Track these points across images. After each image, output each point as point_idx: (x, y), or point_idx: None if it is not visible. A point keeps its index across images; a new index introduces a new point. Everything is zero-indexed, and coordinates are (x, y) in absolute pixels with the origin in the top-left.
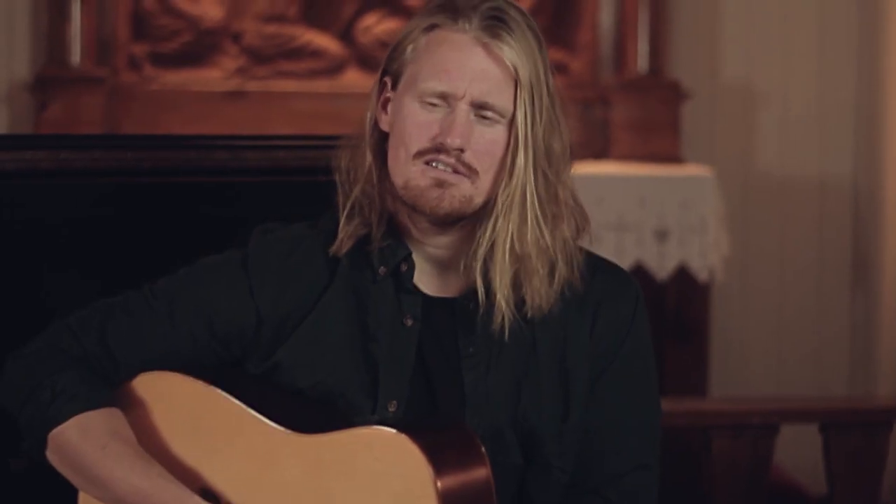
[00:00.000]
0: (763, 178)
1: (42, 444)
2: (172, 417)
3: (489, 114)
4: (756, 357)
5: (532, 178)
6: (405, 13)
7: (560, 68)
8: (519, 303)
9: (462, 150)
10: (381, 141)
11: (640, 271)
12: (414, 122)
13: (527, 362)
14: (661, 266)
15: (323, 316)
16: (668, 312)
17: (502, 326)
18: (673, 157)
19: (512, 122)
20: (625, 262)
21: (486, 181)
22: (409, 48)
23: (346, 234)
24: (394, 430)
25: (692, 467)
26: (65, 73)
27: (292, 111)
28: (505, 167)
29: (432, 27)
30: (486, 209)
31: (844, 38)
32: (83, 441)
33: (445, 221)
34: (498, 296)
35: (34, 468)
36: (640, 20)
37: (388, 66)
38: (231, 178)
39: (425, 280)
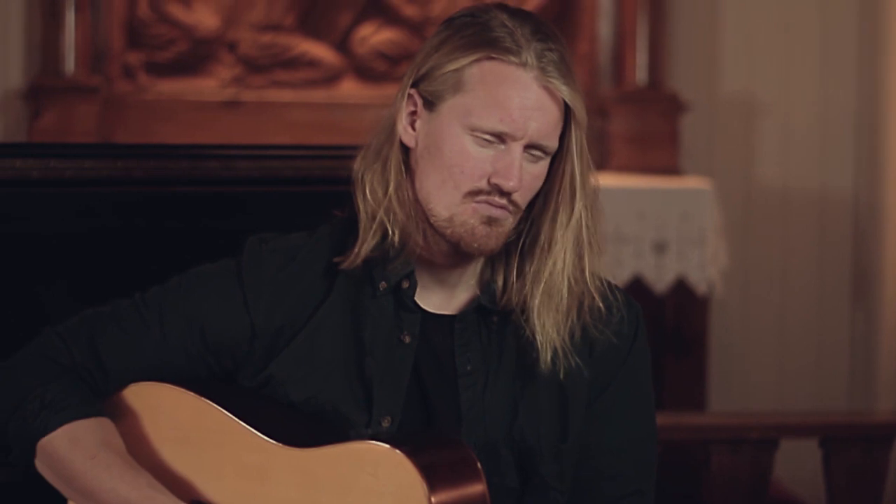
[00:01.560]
0: (763, 190)
1: (30, 453)
2: (163, 428)
3: (538, 153)
4: (756, 370)
5: (588, 214)
6: (403, 23)
7: None
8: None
9: (517, 191)
10: (405, 156)
11: (638, 284)
12: (466, 158)
13: (525, 381)
14: (660, 279)
15: (318, 330)
16: (666, 325)
17: (555, 363)
18: (672, 170)
19: (560, 158)
20: (623, 275)
21: (521, 211)
22: (454, 76)
23: (365, 250)
24: (388, 446)
25: (691, 482)
26: (58, 82)
27: (288, 121)
28: (555, 203)
29: (487, 59)
30: (526, 240)
31: (845, 51)
32: (72, 451)
33: (485, 256)
34: (552, 332)
35: (17, 480)
36: (639, 31)
37: (419, 82)
38: (223, 188)
39: (425, 296)
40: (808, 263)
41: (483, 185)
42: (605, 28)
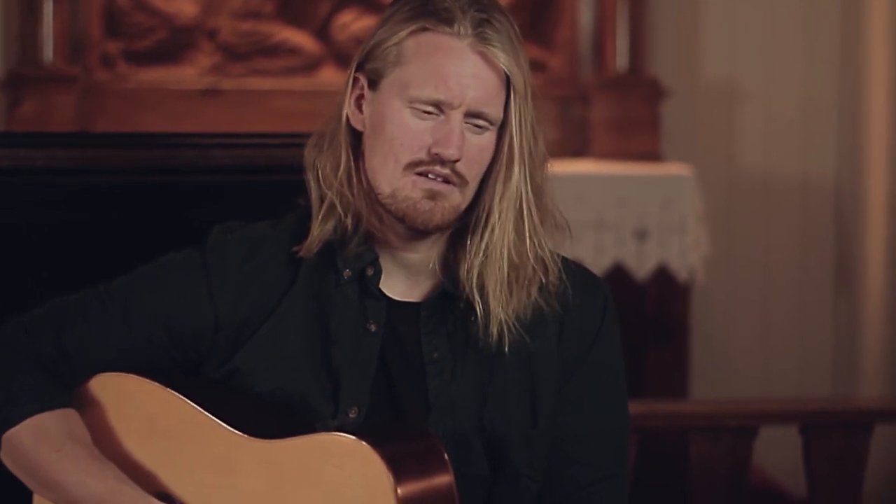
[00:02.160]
0: (745, 177)
1: None
2: (129, 420)
3: (481, 122)
4: (738, 358)
5: (527, 185)
6: (381, 10)
7: (538, 66)
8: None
9: (456, 161)
10: (355, 140)
11: (619, 271)
12: (405, 131)
13: (493, 368)
14: (641, 266)
15: (282, 320)
16: (648, 313)
17: (500, 338)
18: (653, 156)
19: (502, 128)
20: (604, 262)
21: (472, 188)
22: (394, 49)
23: (318, 236)
24: (353, 437)
25: (671, 470)
26: (37, 71)
27: (269, 109)
28: (495, 174)
29: (422, 30)
30: (474, 217)
31: (828, 37)
32: (38, 443)
33: (431, 232)
34: (494, 306)
35: None
36: (619, 17)
37: (363, 63)
38: (197, 177)
39: (390, 283)
40: (790, 251)
41: (423, 155)
42: (585, 14)
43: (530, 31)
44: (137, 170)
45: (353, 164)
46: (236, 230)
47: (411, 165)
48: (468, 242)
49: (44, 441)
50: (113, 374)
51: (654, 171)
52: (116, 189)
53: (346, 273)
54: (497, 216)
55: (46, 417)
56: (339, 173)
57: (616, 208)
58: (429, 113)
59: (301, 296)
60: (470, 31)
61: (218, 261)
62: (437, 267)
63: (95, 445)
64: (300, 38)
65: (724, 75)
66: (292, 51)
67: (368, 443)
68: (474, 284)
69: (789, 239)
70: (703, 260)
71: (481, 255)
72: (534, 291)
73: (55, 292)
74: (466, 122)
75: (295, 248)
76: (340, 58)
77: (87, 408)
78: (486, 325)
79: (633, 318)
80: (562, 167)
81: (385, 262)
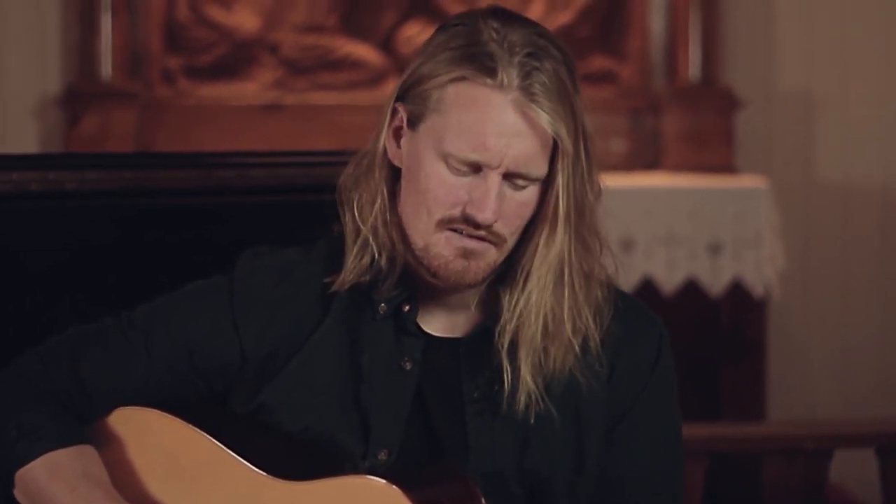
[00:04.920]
0: (823, 189)
1: (9, 483)
2: (149, 457)
3: (521, 181)
4: (817, 377)
5: (571, 246)
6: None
7: (609, 76)
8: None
9: (490, 225)
10: (393, 174)
11: (692, 286)
12: (440, 185)
13: (537, 409)
14: (715, 281)
15: (312, 355)
16: (722, 329)
17: (527, 407)
18: (727, 168)
19: (548, 184)
20: (676, 278)
21: (511, 242)
22: (434, 93)
23: (353, 272)
24: (384, 481)
25: (745, 494)
26: (96, 87)
27: (332, 124)
28: (537, 234)
29: (462, 79)
30: (511, 273)
31: None
32: (52, 482)
33: (463, 290)
34: (524, 373)
35: None
36: (691, 26)
37: (403, 95)
38: (235, 197)
39: (428, 318)
40: (871, 263)
41: (456, 213)
42: (656, 23)
43: (599, 42)
44: (173, 191)
45: (388, 202)
46: (265, 255)
47: (444, 222)
48: (503, 299)
49: (57, 480)
50: (134, 408)
51: (728, 183)
52: (150, 211)
53: (382, 308)
54: (536, 281)
55: (60, 455)
56: (374, 209)
57: (688, 222)
58: (465, 171)
59: (333, 330)
60: (515, 82)
61: (244, 289)
62: (479, 302)
63: (113, 483)
64: (364, 52)
65: (799, 84)
66: (356, 64)
67: (400, 487)
68: (505, 348)
69: (869, 252)
70: (780, 274)
71: (515, 319)
72: (570, 360)
73: (86, 317)
74: (506, 181)
75: (327, 280)
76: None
77: (107, 443)
78: (514, 392)
79: (707, 334)
80: (632, 181)
81: (423, 298)
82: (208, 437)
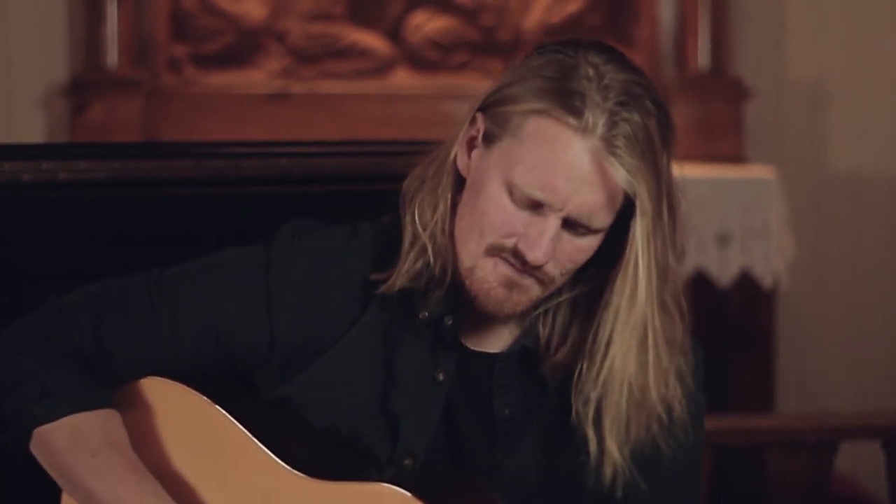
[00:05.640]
0: (833, 179)
1: (26, 439)
2: (173, 432)
3: (580, 229)
4: (827, 369)
5: (654, 310)
6: (457, 10)
7: None
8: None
9: (539, 267)
10: (458, 183)
11: (700, 277)
12: (499, 211)
13: (565, 433)
14: (723, 272)
15: (346, 353)
16: (730, 321)
17: (614, 479)
18: (736, 158)
19: (626, 246)
20: (685, 269)
21: (559, 282)
22: (517, 118)
23: (404, 275)
24: (407, 494)
25: (748, 487)
26: (102, 76)
27: (339, 113)
28: (617, 297)
29: (546, 113)
30: (590, 341)
31: None
32: (73, 445)
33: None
34: (610, 445)
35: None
36: (700, 15)
37: (486, 107)
38: (229, 188)
39: (465, 329)
40: (881, 255)
41: (509, 244)
42: (665, 11)
43: (609, 30)
44: (166, 182)
45: (449, 211)
46: (305, 234)
47: (495, 249)
48: (583, 369)
49: (79, 443)
50: (163, 380)
51: (737, 173)
52: (144, 202)
53: (423, 315)
54: (619, 346)
55: (83, 418)
56: (436, 216)
57: (697, 212)
58: (525, 205)
59: (369, 329)
60: (600, 129)
61: (282, 272)
62: (518, 319)
63: (134, 451)
64: (372, 40)
65: (810, 74)
66: (363, 53)
67: (422, 499)
68: (590, 418)
69: (880, 243)
70: (790, 265)
71: (599, 387)
72: (654, 429)
73: None
74: (564, 226)
75: (374, 278)
76: (413, 60)
77: (132, 409)
78: (600, 464)
79: (716, 325)
80: None
81: (466, 311)
82: (234, 420)
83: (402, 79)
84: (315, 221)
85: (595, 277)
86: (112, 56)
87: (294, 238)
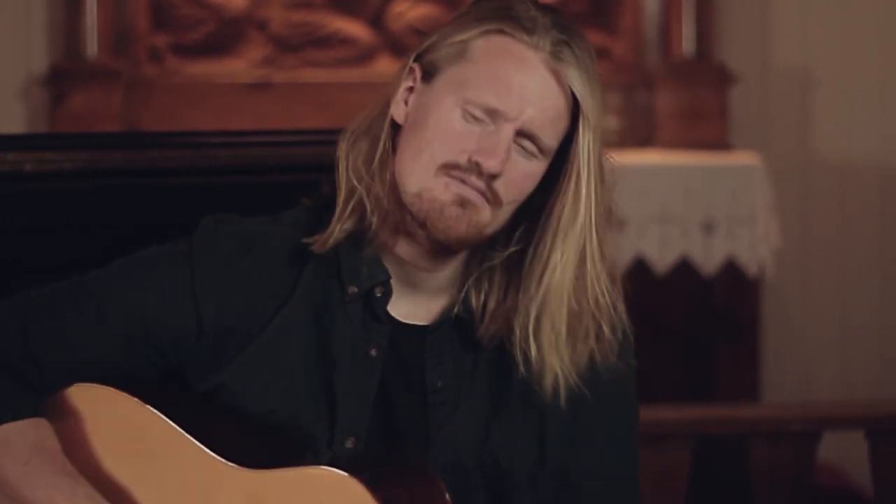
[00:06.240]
0: (820, 166)
1: None
2: (105, 436)
3: (530, 146)
4: (814, 358)
5: (592, 226)
6: None
7: (601, 52)
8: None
9: (495, 177)
10: (393, 134)
11: (685, 265)
12: (450, 129)
13: (500, 400)
14: (708, 260)
15: (279, 336)
16: (715, 309)
17: (556, 389)
18: (721, 145)
19: (569, 162)
20: (670, 256)
21: (504, 213)
22: (460, 45)
23: (338, 231)
24: (346, 474)
25: (731, 477)
26: (80, 66)
27: (322, 102)
28: (558, 210)
29: (498, 31)
30: (530, 254)
31: None
32: (3, 455)
33: (449, 248)
34: (550, 356)
35: None
36: (685, 1)
37: (422, 54)
38: (198, 178)
39: (395, 302)
40: (868, 243)
41: (462, 160)
42: None
43: (593, 16)
44: (136, 171)
45: (386, 159)
46: (228, 223)
47: (447, 167)
48: (521, 282)
49: (9, 453)
50: (91, 385)
51: (722, 160)
52: (113, 191)
53: (352, 290)
54: (560, 256)
55: (13, 427)
56: (373, 166)
57: (682, 200)
58: (479, 119)
59: (300, 309)
60: (549, 47)
61: (205, 257)
62: (448, 289)
63: (67, 458)
64: (353, 28)
65: (796, 59)
66: (345, 41)
67: (362, 481)
68: (530, 331)
69: (867, 230)
70: (776, 253)
71: (539, 298)
72: (591, 342)
73: None
74: (516, 142)
75: (306, 241)
76: (396, 48)
77: (61, 418)
78: (541, 376)
79: (701, 314)
80: (626, 158)
81: (394, 281)
82: (166, 419)
83: (385, 67)
84: (236, 215)
85: (524, 237)
86: (92, 46)
87: (217, 226)
